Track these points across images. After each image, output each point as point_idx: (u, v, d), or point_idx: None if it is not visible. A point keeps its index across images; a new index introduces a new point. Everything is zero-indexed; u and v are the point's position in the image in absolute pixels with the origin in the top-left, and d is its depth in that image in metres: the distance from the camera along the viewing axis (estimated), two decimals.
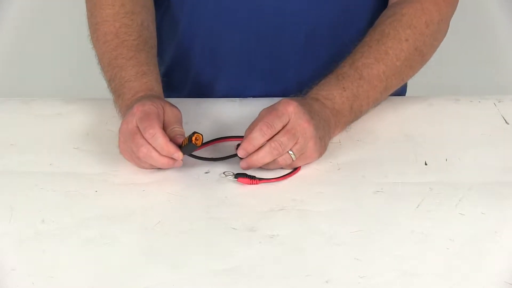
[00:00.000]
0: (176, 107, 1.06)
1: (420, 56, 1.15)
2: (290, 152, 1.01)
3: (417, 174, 1.04)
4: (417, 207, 0.98)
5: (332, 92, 1.08)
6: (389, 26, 1.14)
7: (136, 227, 0.95)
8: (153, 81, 1.11)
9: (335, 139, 1.11)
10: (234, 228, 0.94)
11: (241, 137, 1.04)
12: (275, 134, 1.01)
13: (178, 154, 1.00)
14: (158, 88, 1.11)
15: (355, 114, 1.10)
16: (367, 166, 1.06)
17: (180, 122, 1.04)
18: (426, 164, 1.06)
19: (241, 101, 1.22)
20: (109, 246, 0.92)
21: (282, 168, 1.03)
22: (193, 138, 1.00)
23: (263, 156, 1.00)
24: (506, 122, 1.16)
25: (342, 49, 1.17)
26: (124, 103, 1.09)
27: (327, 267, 0.88)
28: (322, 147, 1.04)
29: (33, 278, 0.87)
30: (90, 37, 1.24)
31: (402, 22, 1.14)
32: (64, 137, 1.13)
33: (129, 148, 1.02)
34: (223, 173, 1.03)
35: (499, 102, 1.20)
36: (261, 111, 1.04)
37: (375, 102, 1.13)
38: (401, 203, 0.98)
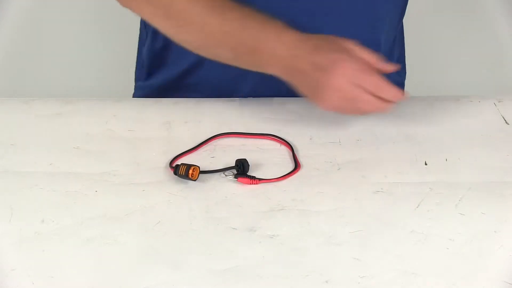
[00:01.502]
0: None
1: None
2: None
3: (417, 174, 1.04)
4: (417, 207, 0.98)
5: None
6: None
7: (136, 227, 0.95)
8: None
9: (335, 139, 1.11)
10: (234, 228, 0.94)
11: (240, 133, 1.05)
12: None
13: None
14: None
15: None
16: (367, 166, 1.06)
17: None
18: (426, 164, 1.06)
19: (241, 101, 1.22)
20: (109, 246, 0.92)
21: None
22: (190, 171, 1.01)
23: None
24: (506, 122, 1.16)
25: None
26: (282, 44, 1.07)
27: (327, 267, 0.88)
28: None
29: (33, 278, 0.87)
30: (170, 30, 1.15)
31: None
32: (64, 137, 1.13)
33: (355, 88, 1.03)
34: (223, 173, 1.03)
35: (499, 102, 1.20)
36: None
37: None
38: (401, 203, 0.98)
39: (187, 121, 1.15)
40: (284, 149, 1.10)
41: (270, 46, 1.07)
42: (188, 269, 0.88)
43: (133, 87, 1.40)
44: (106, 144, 1.11)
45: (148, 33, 1.31)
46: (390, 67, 1.07)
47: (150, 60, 1.31)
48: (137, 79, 1.38)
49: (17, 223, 0.95)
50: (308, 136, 1.13)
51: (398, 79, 1.34)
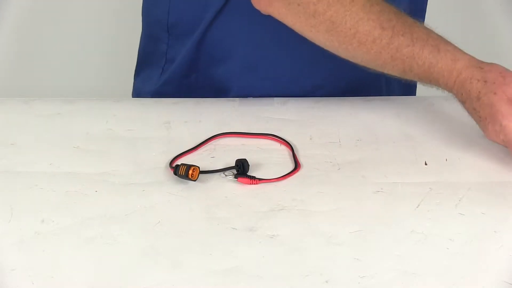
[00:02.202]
0: None
1: None
2: None
3: (417, 174, 1.04)
4: (417, 207, 0.98)
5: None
6: None
7: (136, 227, 0.95)
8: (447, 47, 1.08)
9: (335, 139, 1.11)
10: (234, 228, 0.94)
11: (240, 133, 1.06)
12: None
13: None
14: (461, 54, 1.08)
15: None
16: (367, 166, 1.06)
17: None
18: (426, 164, 1.06)
19: (241, 101, 1.22)
20: (109, 246, 0.92)
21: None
22: (190, 171, 1.01)
23: None
24: None
25: None
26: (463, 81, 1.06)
27: (327, 267, 0.88)
28: None
29: (33, 278, 0.87)
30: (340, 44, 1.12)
31: None
32: (64, 137, 1.13)
33: None
34: (223, 173, 1.03)
35: None
36: None
37: None
38: (401, 203, 0.98)
39: (187, 121, 1.15)
40: (284, 149, 1.10)
41: (444, 74, 1.07)
42: (188, 269, 0.88)
43: (132, 87, 1.40)
44: (106, 144, 1.11)
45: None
46: None
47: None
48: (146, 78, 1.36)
49: (17, 223, 0.95)
50: (308, 136, 1.13)
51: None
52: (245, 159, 1.04)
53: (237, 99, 1.22)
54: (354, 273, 0.87)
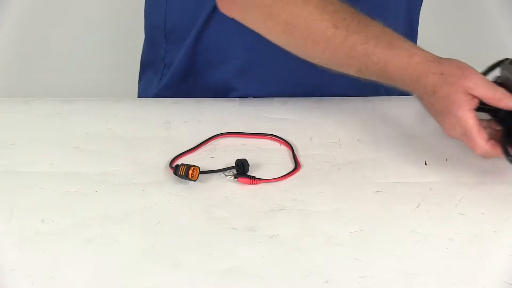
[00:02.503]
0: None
1: None
2: None
3: (417, 174, 1.04)
4: (417, 207, 0.98)
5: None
6: None
7: (136, 227, 0.95)
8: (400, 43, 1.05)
9: (335, 139, 1.11)
10: (234, 228, 0.94)
11: (240, 133, 1.06)
12: None
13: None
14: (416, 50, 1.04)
15: None
16: (367, 166, 1.06)
17: None
18: (426, 164, 1.06)
19: (241, 101, 1.22)
20: (109, 246, 0.92)
21: None
22: (190, 171, 1.01)
23: None
24: None
25: None
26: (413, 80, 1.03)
27: (327, 267, 0.88)
28: None
29: (33, 278, 0.87)
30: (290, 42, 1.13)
31: None
32: (64, 137, 1.13)
33: None
34: (223, 173, 1.03)
35: None
36: None
37: None
38: (401, 203, 0.98)
39: (187, 120, 1.15)
40: (284, 149, 1.10)
41: (399, 71, 1.04)
42: (188, 269, 0.88)
43: (133, 87, 1.40)
44: (106, 144, 1.11)
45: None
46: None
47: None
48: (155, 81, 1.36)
49: (17, 223, 0.95)
50: (308, 136, 1.13)
51: None
52: (245, 159, 1.04)
53: (237, 99, 1.22)
54: (354, 273, 0.87)
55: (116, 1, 2.31)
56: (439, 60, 1.02)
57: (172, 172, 1.03)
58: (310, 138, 1.12)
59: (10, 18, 2.32)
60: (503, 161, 1.06)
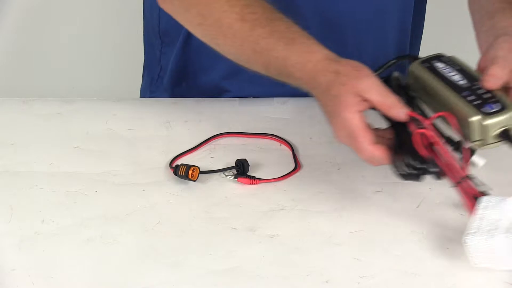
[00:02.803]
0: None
1: None
2: None
3: None
4: (417, 207, 0.98)
5: None
6: None
7: (136, 227, 0.95)
8: (305, 42, 1.01)
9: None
10: (234, 228, 0.94)
11: (240, 133, 1.06)
12: None
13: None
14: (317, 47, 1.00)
15: None
16: (367, 166, 1.05)
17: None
18: None
19: (241, 101, 1.21)
20: (109, 246, 0.92)
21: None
22: (190, 171, 1.01)
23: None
24: None
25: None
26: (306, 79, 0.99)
27: (327, 267, 0.88)
28: None
29: (33, 278, 0.87)
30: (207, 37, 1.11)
31: None
32: (64, 137, 1.13)
33: None
34: (223, 173, 1.03)
35: None
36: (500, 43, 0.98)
37: None
38: (401, 203, 0.98)
39: (187, 120, 1.15)
40: (284, 149, 1.10)
41: (298, 67, 1.00)
42: (188, 269, 0.88)
43: (133, 87, 1.40)
44: (106, 144, 1.11)
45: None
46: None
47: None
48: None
49: (17, 223, 0.95)
50: (308, 136, 1.13)
51: None
52: (245, 159, 1.04)
53: (237, 99, 1.22)
54: (354, 273, 0.87)
55: (116, 1, 2.31)
56: (338, 59, 0.97)
57: (172, 172, 1.03)
58: (310, 138, 1.12)
59: (10, 18, 2.32)
60: (503, 161, 1.06)
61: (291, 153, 1.08)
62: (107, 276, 0.87)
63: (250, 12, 1.04)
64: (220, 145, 1.11)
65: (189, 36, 1.23)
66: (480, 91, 0.93)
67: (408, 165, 0.90)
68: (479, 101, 0.92)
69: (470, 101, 0.92)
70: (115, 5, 2.32)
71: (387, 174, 1.04)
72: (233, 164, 1.04)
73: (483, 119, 0.91)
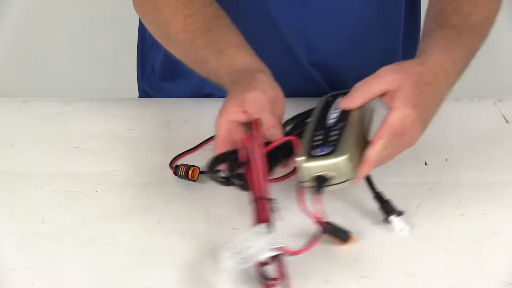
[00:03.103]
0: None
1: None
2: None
3: (417, 174, 1.04)
4: (417, 207, 0.98)
5: (458, 54, 0.97)
6: None
7: (136, 227, 0.95)
8: (233, 55, 1.00)
9: None
10: (234, 228, 0.94)
11: None
12: None
13: None
14: (241, 58, 0.99)
15: (463, 72, 1.01)
16: None
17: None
18: (426, 164, 1.06)
19: None
20: (109, 246, 0.92)
21: None
22: (190, 171, 1.01)
23: (370, 168, 0.92)
24: (506, 121, 1.16)
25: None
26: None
27: (327, 267, 0.88)
28: (422, 130, 0.95)
29: (33, 278, 0.87)
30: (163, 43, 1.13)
31: None
32: (64, 137, 1.13)
33: None
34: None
35: (499, 101, 1.20)
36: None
37: (472, 59, 1.03)
38: (401, 203, 0.98)
39: (187, 120, 1.15)
40: None
41: (226, 78, 1.00)
42: (188, 269, 0.88)
43: (133, 87, 1.40)
44: (106, 144, 1.11)
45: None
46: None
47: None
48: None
49: (17, 223, 0.95)
50: None
51: None
52: None
53: None
54: (354, 273, 0.87)
55: (116, 1, 2.32)
56: (252, 71, 0.96)
57: (172, 172, 1.03)
58: None
59: (10, 18, 2.32)
60: (503, 161, 1.06)
61: None
62: (107, 276, 0.87)
63: (192, 22, 1.05)
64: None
65: None
66: (332, 133, 0.91)
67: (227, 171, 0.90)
68: (319, 142, 0.90)
69: (314, 141, 0.90)
70: (115, 5, 2.32)
71: (387, 174, 1.04)
72: None
73: (304, 161, 0.89)
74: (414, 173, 1.04)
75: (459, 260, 0.89)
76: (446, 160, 1.07)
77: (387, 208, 0.94)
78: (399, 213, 0.94)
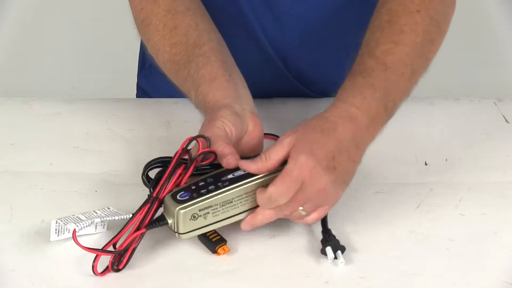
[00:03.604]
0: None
1: (436, 26, 1.04)
2: (301, 208, 0.90)
3: (417, 174, 1.04)
4: (417, 207, 0.98)
5: (365, 97, 0.95)
6: (394, 1, 1.03)
7: None
8: (206, 92, 1.03)
9: None
10: (234, 228, 0.94)
11: None
12: None
13: None
14: (213, 95, 1.02)
15: (390, 112, 0.99)
16: (367, 166, 1.06)
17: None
18: (426, 164, 1.06)
19: None
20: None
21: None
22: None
23: (269, 218, 0.91)
24: (506, 121, 1.16)
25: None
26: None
27: (327, 267, 0.88)
28: (341, 190, 0.93)
29: (33, 278, 0.87)
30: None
31: None
32: (64, 137, 1.13)
33: None
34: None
35: (499, 101, 1.20)
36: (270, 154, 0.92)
37: (407, 92, 1.01)
38: (401, 203, 0.98)
39: (187, 120, 1.15)
40: None
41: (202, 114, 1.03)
42: (188, 270, 0.88)
43: (133, 87, 1.40)
44: (106, 144, 1.11)
45: None
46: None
47: None
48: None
49: (17, 223, 0.95)
50: None
51: None
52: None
53: None
54: (354, 273, 0.87)
55: (116, 1, 2.32)
56: (216, 109, 0.98)
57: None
58: None
59: (10, 18, 2.33)
60: (503, 161, 1.06)
61: None
62: (107, 277, 0.87)
63: (176, 53, 1.06)
64: None
65: None
66: (211, 187, 0.90)
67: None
68: (194, 187, 0.90)
69: (194, 184, 0.91)
70: (115, 5, 2.32)
71: (387, 174, 1.04)
72: None
73: (167, 196, 0.90)
74: (414, 173, 1.04)
75: (459, 260, 0.89)
76: (446, 160, 1.07)
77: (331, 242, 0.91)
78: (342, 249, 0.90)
